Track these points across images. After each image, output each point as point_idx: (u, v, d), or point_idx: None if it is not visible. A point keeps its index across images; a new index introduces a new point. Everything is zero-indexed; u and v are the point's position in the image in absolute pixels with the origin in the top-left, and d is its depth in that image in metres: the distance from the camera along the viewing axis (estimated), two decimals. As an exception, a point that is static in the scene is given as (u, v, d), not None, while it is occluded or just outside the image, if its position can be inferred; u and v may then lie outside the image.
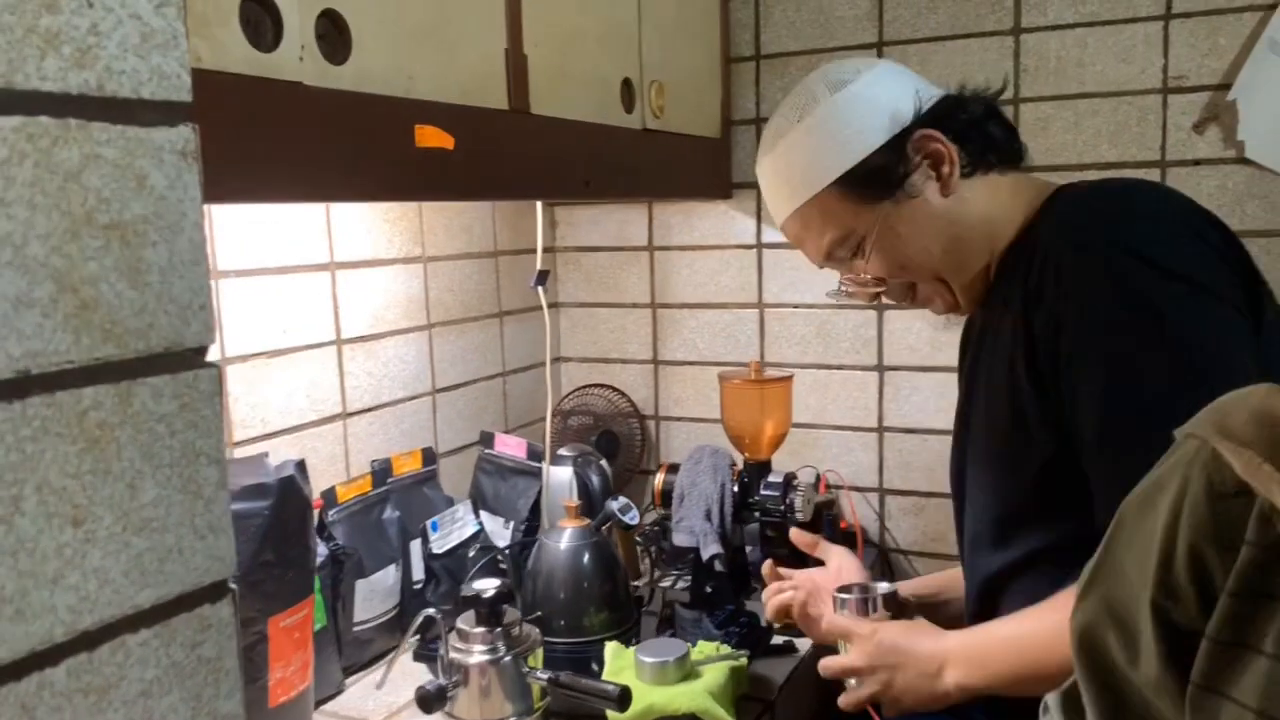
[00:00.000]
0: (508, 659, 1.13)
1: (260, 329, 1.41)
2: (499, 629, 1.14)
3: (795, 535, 1.38)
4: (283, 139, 0.89)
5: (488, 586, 1.16)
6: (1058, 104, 1.72)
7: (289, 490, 1.13)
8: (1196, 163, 1.64)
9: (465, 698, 1.13)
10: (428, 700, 1.09)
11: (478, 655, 1.13)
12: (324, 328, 1.52)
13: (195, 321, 0.47)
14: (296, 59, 0.89)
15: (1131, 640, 0.61)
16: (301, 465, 1.18)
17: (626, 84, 1.51)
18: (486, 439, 1.75)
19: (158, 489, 0.46)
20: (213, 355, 1.36)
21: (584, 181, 1.41)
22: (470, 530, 1.59)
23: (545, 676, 1.12)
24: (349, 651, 1.41)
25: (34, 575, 0.40)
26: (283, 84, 0.88)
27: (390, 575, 1.48)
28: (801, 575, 1.32)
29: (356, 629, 1.42)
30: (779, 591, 1.30)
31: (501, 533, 1.65)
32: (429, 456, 1.65)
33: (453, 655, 1.13)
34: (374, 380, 1.62)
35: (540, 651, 1.17)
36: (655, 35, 1.59)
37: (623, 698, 1.05)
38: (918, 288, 1.13)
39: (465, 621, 1.16)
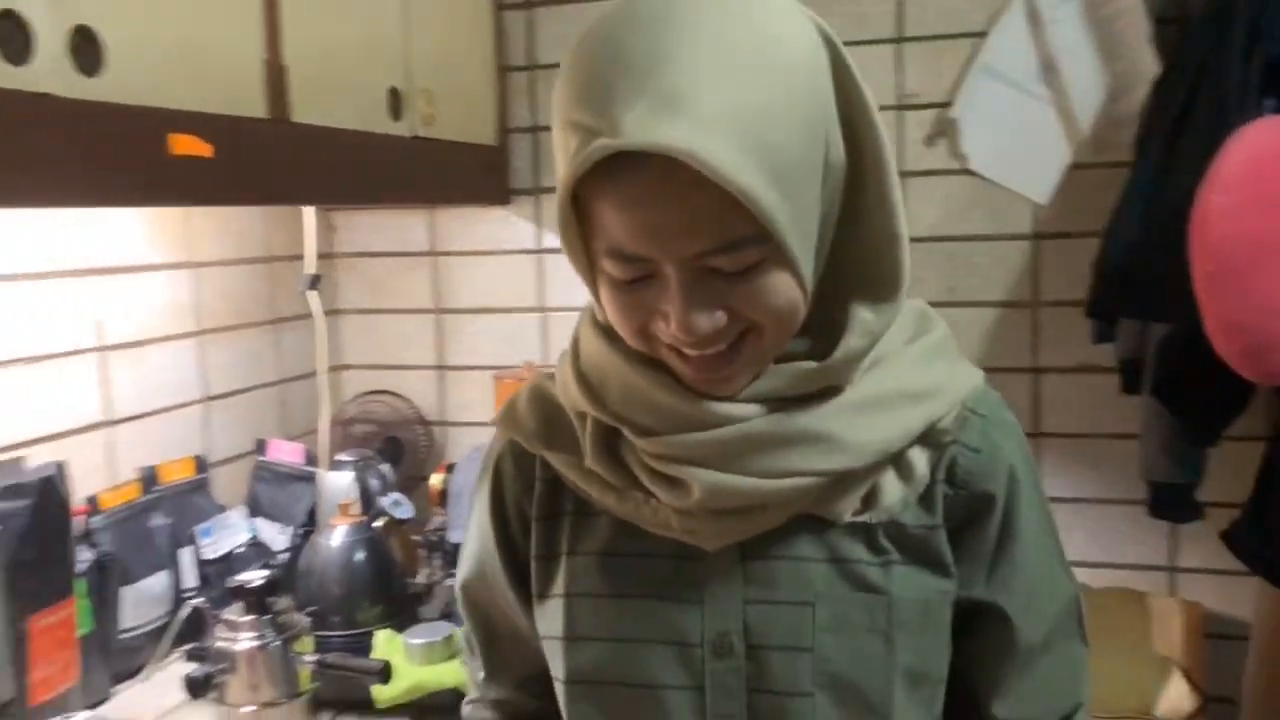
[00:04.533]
0: (275, 644, 1.27)
1: (12, 337, 1.49)
2: (266, 616, 1.27)
3: None
4: (35, 148, 1.01)
5: (254, 577, 1.29)
6: (808, 117, 1.98)
7: (48, 490, 1.24)
8: (929, 173, 1.94)
9: (235, 684, 1.26)
10: (195, 685, 1.22)
11: (244, 642, 1.26)
12: (84, 335, 1.60)
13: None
14: (49, 72, 1.01)
15: (494, 580, 0.91)
16: (60, 467, 1.28)
17: (394, 93, 1.66)
18: (261, 445, 1.86)
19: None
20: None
21: (350, 187, 1.56)
22: (244, 535, 1.70)
23: (312, 659, 1.26)
24: (117, 659, 1.50)
25: None
26: (34, 96, 1.00)
27: (160, 582, 1.58)
28: None
29: (124, 636, 1.51)
30: None
31: (278, 538, 1.77)
32: (200, 464, 1.75)
33: (220, 644, 1.25)
34: (140, 388, 1.71)
35: (309, 638, 1.31)
36: (425, 45, 1.75)
37: (384, 671, 1.21)
38: None
39: (233, 611, 1.29)
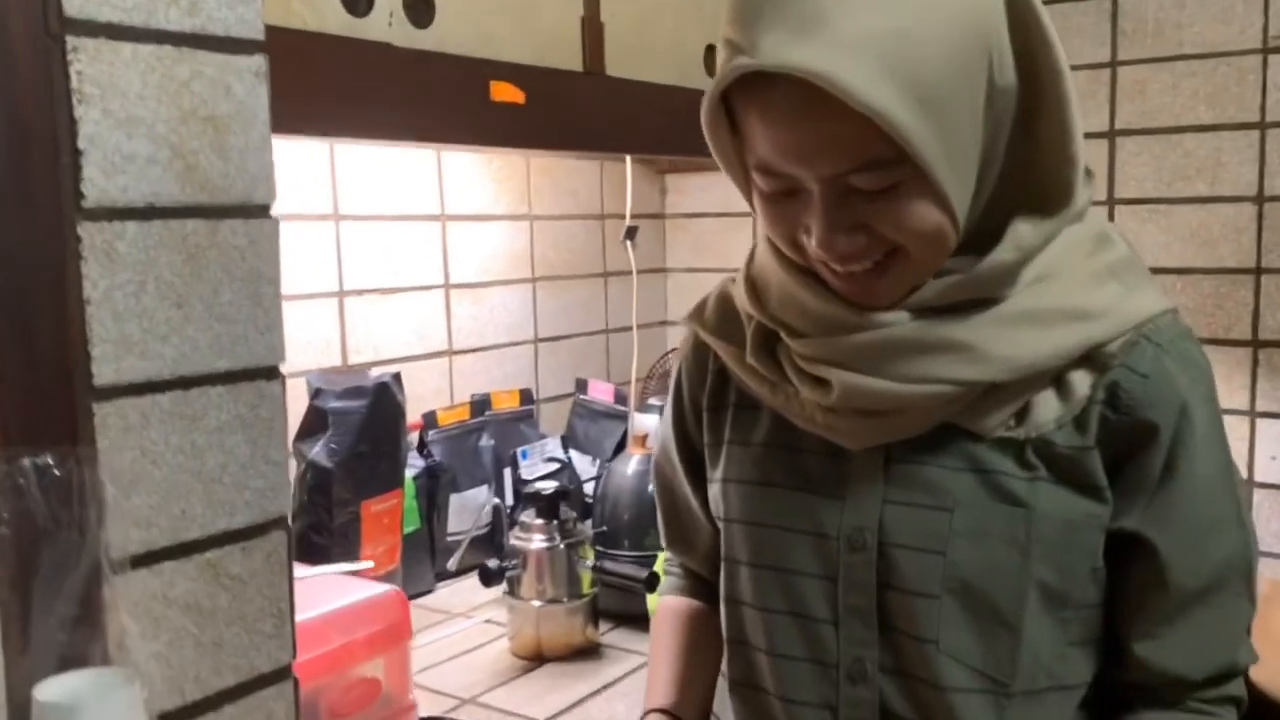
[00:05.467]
0: (561, 548, 1.40)
1: (376, 269, 1.74)
2: (555, 522, 1.41)
3: None
4: (373, 88, 1.19)
5: (547, 485, 1.43)
6: (1155, 66, 1.85)
7: (384, 395, 1.45)
8: (1297, 124, 1.74)
9: (526, 580, 1.41)
10: (487, 575, 1.38)
11: (536, 543, 1.41)
12: (434, 272, 1.84)
13: (261, 186, 0.76)
14: (386, 24, 1.19)
15: (673, 459, 1.02)
16: (397, 376, 1.49)
17: (710, 49, 1.75)
18: (581, 385, 2.03)
19: (233, 294, 0.74)
20: (332, 288, 1.73)
21: (658, 139, 1.66)
22: (558, 460, 1.87)
23: (590, 564, 1.38)
24: (441, 558, 1.72)
25: (155, 333, 0.70)
26: (373, 44, 1.17)
27: (483, 494, 1.78)
28: None
29: (450, 538, 1.72)
30: None
31: (588, 468, 1.92)
32: (527, 397, 1.94)
33: (514, 542, 1.41)
34: (478, 324, 1.93)
35: (590, 548, 1.44)
36: (744, 6, 1.82)
37: (649, 580, 1.30)
38: None
39: (527, 515, 1.44)
